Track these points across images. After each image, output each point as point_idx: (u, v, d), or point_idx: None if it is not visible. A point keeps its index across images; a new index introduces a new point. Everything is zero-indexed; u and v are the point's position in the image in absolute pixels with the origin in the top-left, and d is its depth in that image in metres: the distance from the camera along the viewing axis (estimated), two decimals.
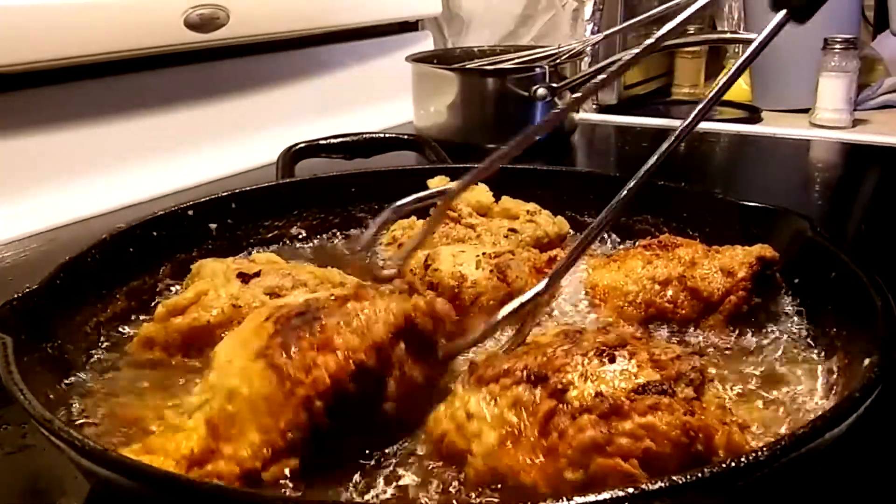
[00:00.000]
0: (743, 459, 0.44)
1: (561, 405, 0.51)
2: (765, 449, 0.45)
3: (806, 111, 1.84)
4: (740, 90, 2.14)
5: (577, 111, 1.75)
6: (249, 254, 0.97)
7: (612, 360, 0.54)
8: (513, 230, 0.96)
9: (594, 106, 2.03)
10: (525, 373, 0.53)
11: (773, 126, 1.85)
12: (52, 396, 0.64)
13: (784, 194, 1.43)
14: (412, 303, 0.61)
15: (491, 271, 0.80)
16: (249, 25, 1.53)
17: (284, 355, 0.55)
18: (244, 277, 0.77)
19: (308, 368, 0.54)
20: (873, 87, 1.96)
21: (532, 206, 0.99)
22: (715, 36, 2.20)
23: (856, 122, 1.80)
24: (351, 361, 0.55)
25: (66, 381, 0.69)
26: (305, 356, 0.55)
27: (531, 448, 0.51)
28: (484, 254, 0.82)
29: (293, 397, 0.54)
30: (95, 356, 0.74)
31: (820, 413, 0.61)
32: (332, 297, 0.62)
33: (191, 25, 1.40)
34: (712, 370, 0.67)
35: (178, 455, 0.53)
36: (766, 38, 0.60)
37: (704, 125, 1.85)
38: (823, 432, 0.48)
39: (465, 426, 0.54)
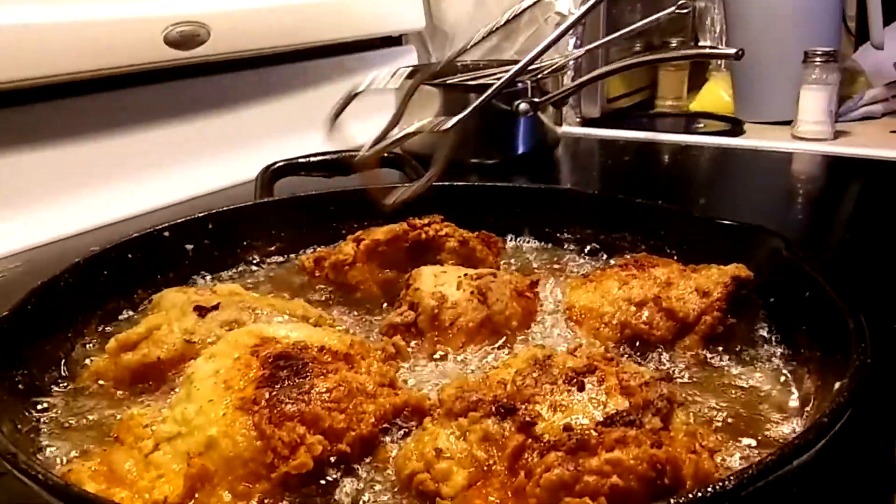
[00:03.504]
0: (709, 490, 0.44)
1: (529, 440, 0.51)
2: (731, 478, 0.45)
3: (788, 123, 1.85)
4: (723, 102, 2.15)
5: (560, 124, 1.76)
6: (210, 280, 0.96)
7: (581, 387, 0.53)
8: None
9: (577, 119, 2.03)
10: (494, 405, 0.53)
11: (755, 139, 1.85)
12: (20, 426, 0.63)
13: (766, 207, 1.44)
14: (403, 399, 0.62)
15: (472, 293, 0.79)
16: (230, 42, 1.53)
17: (271, 422, 0.55)
18: (201, 311, 0.75)
19: (294, 446, 0.54)
20: (855, 98, 1.97)
21: None
22: (695, 51, 2.22)
23: (837, 134, 1.81)
24: (336, 448, 0.56)
25: (37, 409, 0.68)
26: (293, 431, 0.55)
27: (500, 487, 0.50)
28: (465, 275, 0.82)
29: (274, 471, 0.54)
30: (67, 383, 0.73)
31: (792, 436, 0.61)
32: (322, 349, 0.63)
33: (171, 43, 1.40)
34: (684, 394, 0.67)
35: (150, 500, 0.53)
36: None
37: (687, 138, 1.86)
38: (791, 459, 0.48)
39: (435, 465, 0.53)
